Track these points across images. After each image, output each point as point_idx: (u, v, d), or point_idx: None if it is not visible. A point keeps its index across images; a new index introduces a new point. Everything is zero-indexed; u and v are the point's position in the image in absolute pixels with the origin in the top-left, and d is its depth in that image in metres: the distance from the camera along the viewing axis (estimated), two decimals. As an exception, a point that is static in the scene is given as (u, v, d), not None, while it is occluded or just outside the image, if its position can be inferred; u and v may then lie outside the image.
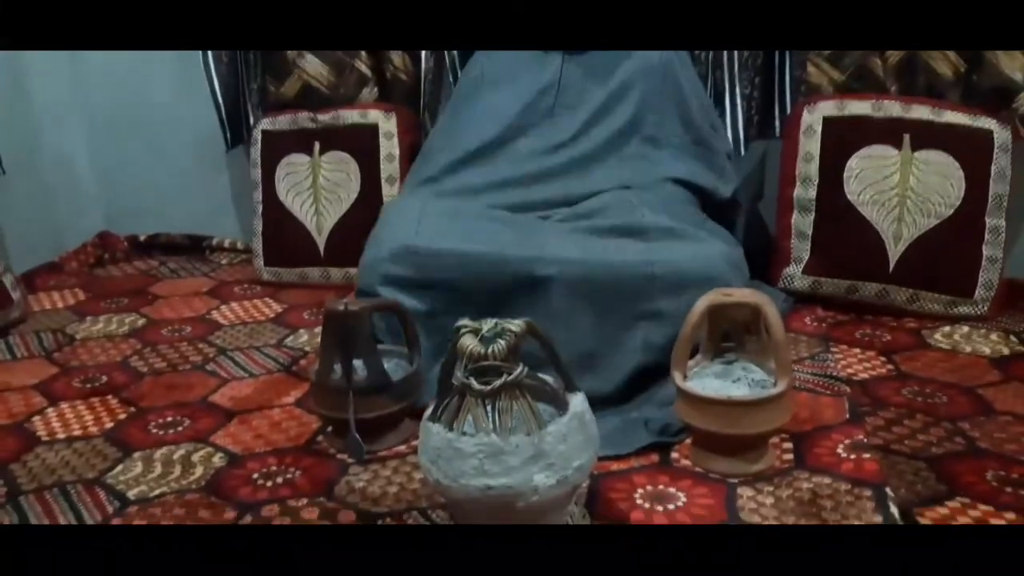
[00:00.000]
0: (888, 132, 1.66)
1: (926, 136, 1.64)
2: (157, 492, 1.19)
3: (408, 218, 1.43)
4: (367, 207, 1.99)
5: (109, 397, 1.50)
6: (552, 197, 1.54)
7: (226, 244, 2.34)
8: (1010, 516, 1.05)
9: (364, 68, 2.02)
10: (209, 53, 2.09)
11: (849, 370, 1.47)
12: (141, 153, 2.37)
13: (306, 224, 2.04)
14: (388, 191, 1.98)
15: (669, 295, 1.27)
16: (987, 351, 1.53)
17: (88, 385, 1.56)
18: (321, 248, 2.03)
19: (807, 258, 1.72)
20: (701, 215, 1.56)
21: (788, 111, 1.81)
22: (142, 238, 2.40)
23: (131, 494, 1.19)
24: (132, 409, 1.45)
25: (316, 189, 2.03)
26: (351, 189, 2.01)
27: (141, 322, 1.87)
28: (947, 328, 1.62)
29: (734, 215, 1.66)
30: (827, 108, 1.71)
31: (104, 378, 1.58)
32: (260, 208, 2.08)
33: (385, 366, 1.28)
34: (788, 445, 1.22)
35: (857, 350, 1.55)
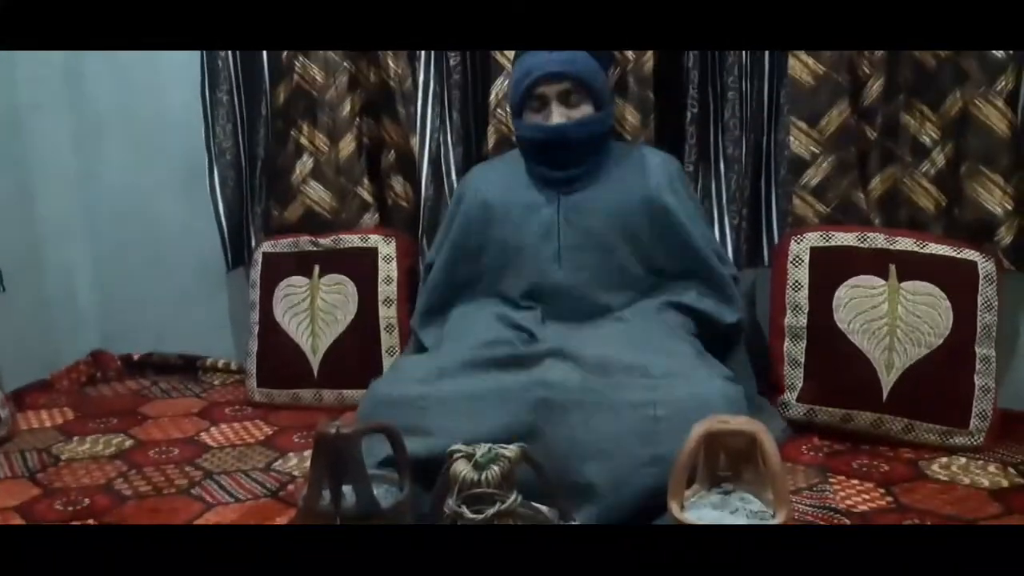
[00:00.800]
0: (874, 263, 1.70)
1: (911, 267, 1.68)
2: (132, 625, 1.14)
3: (417, 393, 1.42)
4: (363, 328, 2.01)
5: (90, 522, 1.46)
6: (554, 341, 1.52)
7: (219, 364, 2.33)
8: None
9: (366, 195, 2.08)
10: (215, 177, 2.14)
11: (848, 502, 1.44)
12: (142, 270, 2.39)
13: (301, 345, 2.04)
14: (384, 312, 2.00)
15: (673, 437, 1.26)
16: (986, 483, 1.51)
17: (70, 508, 1.52)
18: (315, 369, 2.03)
19: (801, 386, 1.72)
20: (698, 346, 1.55)
21: (776, 241, 1.86)
22: (135, 357, 2.39)
23: (105, 627, 1.13)
24: (113, 534, 1.41)
25: (313, 311, 2.05)
26: (348, 311, 2.02)
27: (128, 443, 1.84)
28: (944, 459, 1.61)
29: (735, 340, 1.66)
30: (814, 238, 1.75)
31: (86, 501, 1.54)
32: (256, 329, 2.09)
33: (375, 492, 1.26)
34: (789, 580, 1.18)
35: (855, 481, 1.53)
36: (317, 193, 2.09)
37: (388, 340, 2.00)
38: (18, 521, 1.46)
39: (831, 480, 1.52)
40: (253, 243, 2.19)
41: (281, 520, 1.43)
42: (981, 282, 1.64)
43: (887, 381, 1.66)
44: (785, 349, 1.74)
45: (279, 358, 2.06)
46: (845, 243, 1.73)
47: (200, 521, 1.44)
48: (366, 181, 2.08)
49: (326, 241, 2.06)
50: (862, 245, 1.72)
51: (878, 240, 1.71)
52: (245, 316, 2.15)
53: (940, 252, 1.68)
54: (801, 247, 1.75)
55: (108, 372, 2.36)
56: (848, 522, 1.35)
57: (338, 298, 2.03)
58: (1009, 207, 1.66)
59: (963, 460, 1.60)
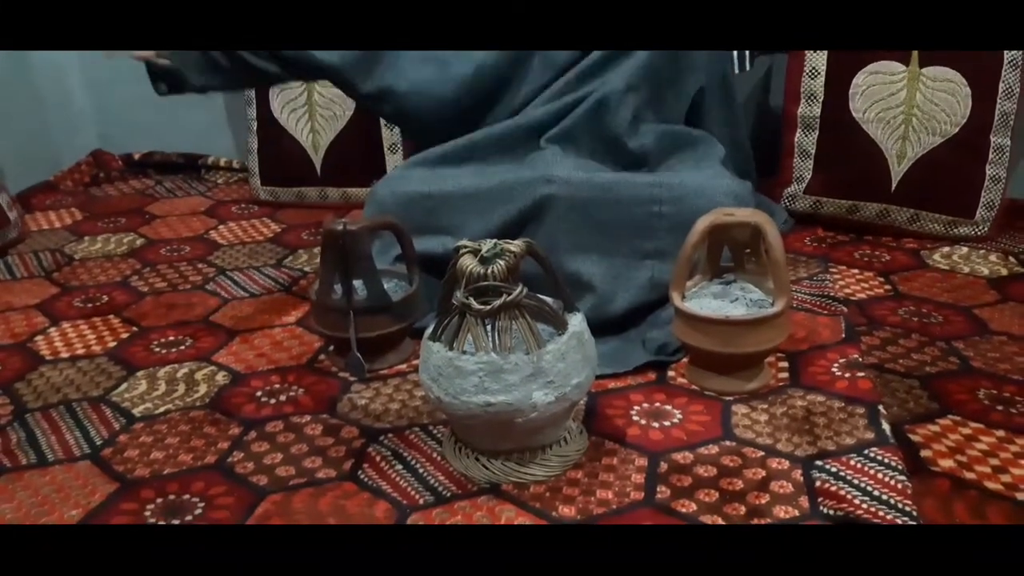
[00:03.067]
0: (896, 47, 1.62)
1: (934, 52, 1.60)
2: (162, 409, 1.21)
3: (414, 169, 1.44)
4: (363, 124, 1.96)
5: (111, 316, 1.51)
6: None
7: (222, 163, 2.31)
8: (1000, 434, 1.07)
9: (358, -21, 1.95)
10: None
11: (847, 290, 1.48)
12: (132, 70, 2.29)
13: (302, 142, 2.01)
14: (385, 108, 1.94)
15: (675, 233, 1.26)
16: (985, 271, 1.53)
17: (89, 304, 1.56)
18: (318, 167, 2.01)
19: (809, 177, 1.71)
20: (706, 139, 1.50)
21: (795, 25, 1.76)
22: (137, 156, 2.37)
23: (136, 411, 1.21)
24: (134, 328, 1.46)
25: (311, 106, 1.99)
26: (347, 106, 1.97)
27: (139, 242, 1.87)
28: (946, 248, 1.62)
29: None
30: (835, 22, 1.66)
31: (105, 298, 1.59)
32: (255, 125, 2.05)
33: (385, 286, 1.29)
34: (784, 364, 1.24)
35: (856, 271, 1.55)
36: (307, -22, 1.95)
37: (390, 137, 1.96)
38: (41, 319, 1.52)
39: (832, 270, 1.54)
40: (244, 35, 2.09)
41: (296, 313, 1.48)
42: (1005, 68, 1.58)
43: (897, 171, 1.64)
44: (796, 140, 1.70)
45: (281, 155, 2.03)
46: (867, 26, 1.64)
47: (217, 316, 1.49)
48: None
49: (320, 31, 1.96)
50: (885, 28, 1.63)
51: (903, 22, 1.62)
52: (242, 113, 2.10)
53: (967, 35, 1.59)
54: (820, 31, 1.66)
55: (110, 172, 2.35)
56: (845, 310, 1.38)
57: (335, 92, 1.96)
58: (1048, -17, 1.55)
59: (965, 250, 1.61)
